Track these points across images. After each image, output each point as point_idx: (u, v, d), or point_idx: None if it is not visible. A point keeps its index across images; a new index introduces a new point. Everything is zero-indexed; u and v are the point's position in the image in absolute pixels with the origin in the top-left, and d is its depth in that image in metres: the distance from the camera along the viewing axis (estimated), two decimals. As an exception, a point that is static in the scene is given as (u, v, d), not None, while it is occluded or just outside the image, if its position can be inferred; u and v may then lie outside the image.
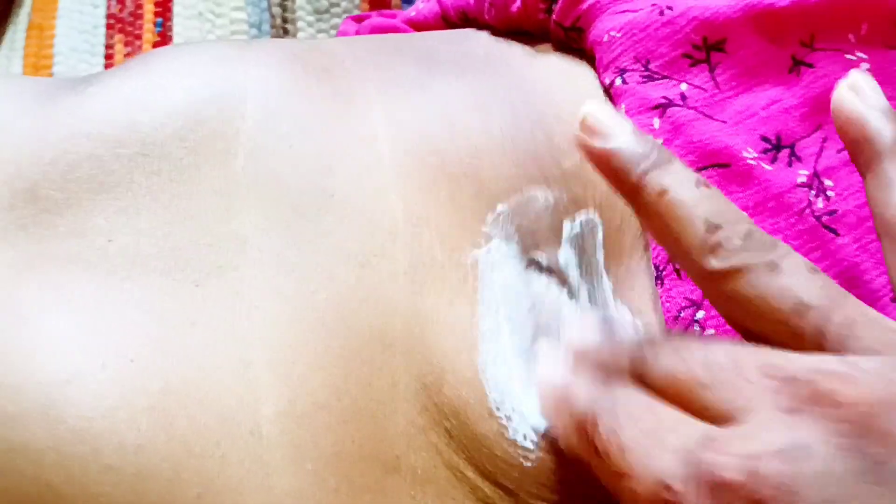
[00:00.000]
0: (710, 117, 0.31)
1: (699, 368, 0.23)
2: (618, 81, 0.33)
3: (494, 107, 0.33)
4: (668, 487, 0.21)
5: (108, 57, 0.52)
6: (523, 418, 0.28)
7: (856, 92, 0.26)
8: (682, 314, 0.29)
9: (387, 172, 0.30)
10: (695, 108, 0.32)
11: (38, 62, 0.51)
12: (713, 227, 0.23)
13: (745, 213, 0.24)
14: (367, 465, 0.27)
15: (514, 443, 0.28)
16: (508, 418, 0.28)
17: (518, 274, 0.30)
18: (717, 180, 0.31)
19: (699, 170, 0.31)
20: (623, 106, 0.32)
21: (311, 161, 0.30)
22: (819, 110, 0.31)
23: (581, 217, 0.31)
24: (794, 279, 0.23)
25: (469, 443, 0.28)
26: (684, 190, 0.24)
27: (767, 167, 0.31)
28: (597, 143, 0.25)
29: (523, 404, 0.28)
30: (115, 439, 0.26)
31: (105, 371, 0.27)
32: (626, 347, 0.25)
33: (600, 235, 0.31)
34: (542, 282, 0.30)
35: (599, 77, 0.34)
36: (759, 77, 0.32)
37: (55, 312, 0.28)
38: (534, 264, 0.31)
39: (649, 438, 0.22)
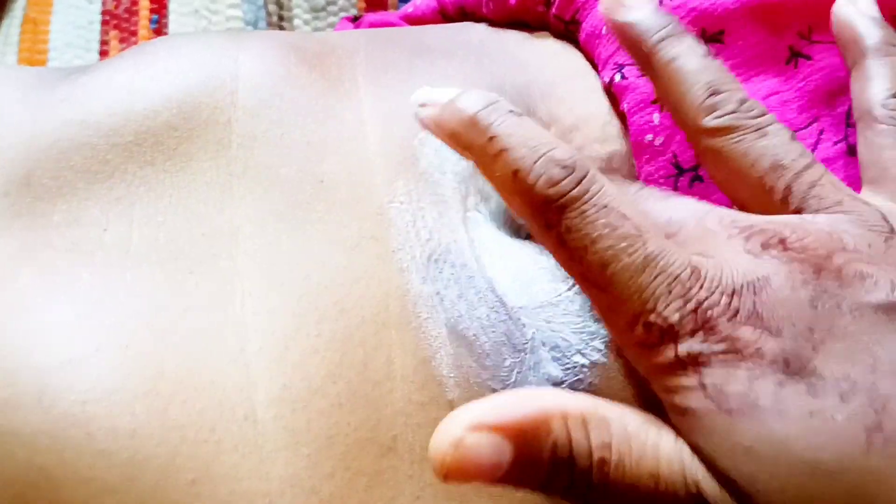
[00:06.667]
0: None
1: (642, 221, 0.24)
2: (617, 77, 0.33)
3: (480, 79, 0.33)
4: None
5: (103, 53, 0.52)
6: (533, 367, 0.28)
7: (852, 2, 0.31)
8: None
9: (373, 156, 0.30)
10: None
11: (33, 57, 0.51)
12: (713, 92, 0.27)
13: (742, 85, 0.27)
14: (362, 448, 0.27)
15: None
16: (516, 372, 0.28)
17: (499, 228, 0.30)
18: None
19: (699, 163, 0.31)
20: (626, 104, 0.32)
21: (302, 149, 0.30)
22: (816, 103, 0.31)
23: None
24: (775, 142, 0.26)
25: None
26: (691, 59, 0.27)
27: None
28: (618, 16, 0.29)
29: (527, 354, 0.28)
30: (108, 423, 0.26)
31: (99, 355, 0.27)
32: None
33: None
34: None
35: (599, 75, 0.34)
36: (757, 68, 0.32)
37: (51, 299, 0.28)
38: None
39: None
